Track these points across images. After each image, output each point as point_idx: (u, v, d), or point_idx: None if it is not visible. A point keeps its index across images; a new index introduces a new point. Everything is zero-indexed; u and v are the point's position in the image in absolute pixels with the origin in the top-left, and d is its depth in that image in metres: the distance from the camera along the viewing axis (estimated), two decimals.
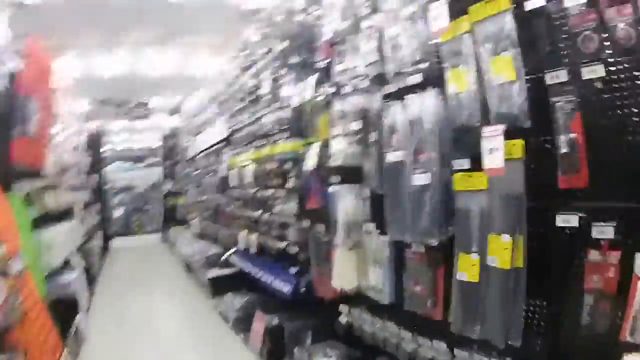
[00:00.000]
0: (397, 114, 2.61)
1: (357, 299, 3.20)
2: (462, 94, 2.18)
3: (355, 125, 3.06)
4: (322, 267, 3.61)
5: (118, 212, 17.00)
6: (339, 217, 3.15)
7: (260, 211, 5.22)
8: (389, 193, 2.70)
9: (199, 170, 9.61)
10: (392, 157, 2.63)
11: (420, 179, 2.38)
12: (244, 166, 5.71)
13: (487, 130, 2.00)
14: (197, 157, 9.81)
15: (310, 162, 3.63)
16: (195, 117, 10.20)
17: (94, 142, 11.43)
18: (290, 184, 4.31)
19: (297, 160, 4.20)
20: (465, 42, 2.19)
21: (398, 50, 2.69)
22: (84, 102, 12.94)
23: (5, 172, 3.47)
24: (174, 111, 14.69)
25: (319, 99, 3.76)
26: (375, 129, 2.86)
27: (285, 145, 4.42)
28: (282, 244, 4.60)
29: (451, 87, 2.25)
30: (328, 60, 3.61)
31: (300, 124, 4.17)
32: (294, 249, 4.35)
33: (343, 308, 3.39)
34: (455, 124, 2.25)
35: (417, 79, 2.56)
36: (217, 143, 7.66)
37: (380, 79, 2.92)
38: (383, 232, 2.81)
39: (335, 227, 3.19)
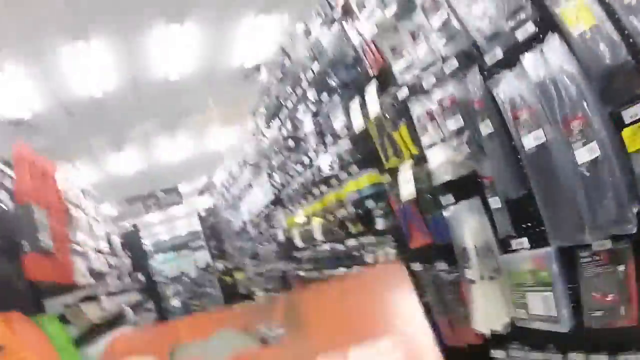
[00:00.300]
0: (516, 84, 2.08)
1: (513, 337, 2.59)
2: (591, 31, 1.79)
3: (454, 124, 2.49)
4: (452, 313, 2.95)
5: (176, 303, 16.47)
6: (466, 244, 2.58)
7: (344, 268, 4.39)
8: (540, 189, 2.11)
9: (251, 242, 8.92)
10: (530, 140, 2.05)
11: (584, 153, 1.85)
12: (307, 222, 4.94)
13: None
14: (245, 228, 9.15)
15: (407, 190, 2.86)
16: (230, 190, 9.64)
17: (131, 240, 11.00)
18: (380, 224, 3.50)
19: (379, 194, 3.42)
20: None
21: (481, 3, 2.18)
22: (110, 204, 12.75)
23: (29, 292, 3.25)
24: (204, 191, 14.44)
25: (386, 113, 3.02)
26: (484, 117, 2.27)
27: (358, 182, 3.63)
28: None
29: (573, 29, 1.84)
30: (379, 66, 3.04)
31: (368, 151, 3.42)
32: None
33: (498, 353, 2.71)
34: (598, 70, 1.81)
35: (527, 30, 2.05)
36: (265, 207, 6.97)
37: (467, 55, 2.40)
38: (535, 244, 2.29)
39: (462, 258, 2.64)
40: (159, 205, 14.83)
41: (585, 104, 1.82)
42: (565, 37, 1.89)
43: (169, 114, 10.86)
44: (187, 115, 11.43)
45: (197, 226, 16.30)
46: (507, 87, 2.11)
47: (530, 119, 2.03)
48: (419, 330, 0.54)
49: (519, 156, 2.17)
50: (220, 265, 14.44)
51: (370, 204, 3.57)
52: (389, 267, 0.80)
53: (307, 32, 4.15)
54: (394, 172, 3.13)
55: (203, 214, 14.94)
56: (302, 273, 5.98)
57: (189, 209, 16.52)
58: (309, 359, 0.52)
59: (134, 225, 12.08)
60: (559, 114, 1.89)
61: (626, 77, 1.75)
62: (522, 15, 2.04)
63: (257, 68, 6.07)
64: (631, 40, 1.73)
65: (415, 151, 2.89)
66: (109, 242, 7.13)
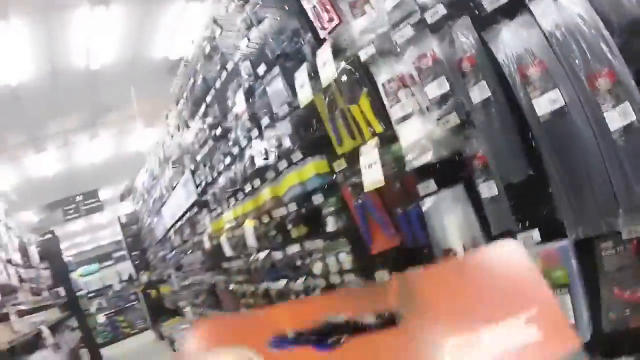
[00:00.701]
0: (523, 35, 1.71)
1: None
2: None
3: (436, 89, 1.96)
4: None
5: (100, 319, 15.95)
6: (451, 244, 2.08)
7: (285, 280, 3.62)
8: (558, 166, 1.72)
9: (175, 251, 8.02)
10: (544, 104, 1.65)
11: (616, 117, 1.53)
12: (237, 226, 4.12)
13: None
14: (167, 236, 8.24)
15: (371, 177, 2.15)
16: (151, 193, 8.71)
17: (50, 251, 10.08)
18: (330, 225, 2.76)
19: (329, 187, 2.71)
20: None
21: None
22: (26, 210, 11.90)
23: None
24: (125, 195, 13.48)
25: (341, 81, 2.32)
26: (478, 78, 1.82)
27: (301, 173, 2.87)
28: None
29: None
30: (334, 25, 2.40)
31: (315, 133, 2.69)
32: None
33: None
34: (621, 21, 1.54)
35: None
36: (188, 211, 6.10)
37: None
38: (546, 236, 1.85)
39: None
40: (78, 211, 13.69)
41: (613, 57, 1.49)
42: None
43: (90, 109, 9.94)
44: (108, 110, 10.54)
45: (120, 235, 15.29)
46: (511, 38, 1.71)
47: (543, 77, 1.63)
48: (549, 306, 0.45)
49: (525, 127, 1.76)
50: (144, 277, 13.58)
51: (317, 199, 2.82)
52: (505, 244, 0.60)
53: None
54: (349, 157, 2.42)
55: (124, 220, 13.95)
56: (233, 286, 5.14)
57: (112, 216, 15.43)
58: (436, 342, 0.46)
59: (52, 233, 11.12)
60: (582, 69, 1.54)
61: None
62: None
63: (185, 62, 5.18)
64: None
65: (379, 129, 2.22)
66: (24, 253, 6.60)
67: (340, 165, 2.50)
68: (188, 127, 5.38)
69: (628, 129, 1.52)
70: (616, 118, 1.53)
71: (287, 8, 2.95)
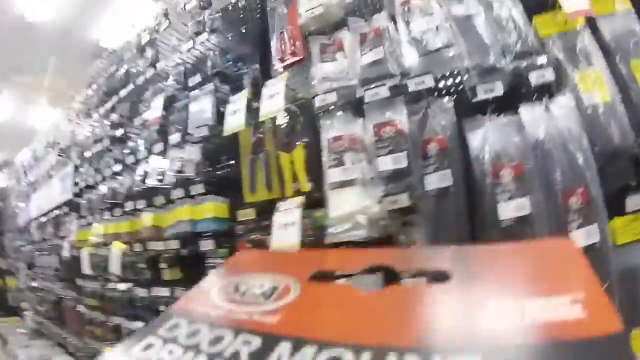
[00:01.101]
0: (507, 134, 1.63)
1: None
2: (604, 106, 1.58)
3: (392, 162, 1.71)
4: None
5: None
6: None
7: (142, 324, 3.04)
8: None
9: (31, 246, 7.04)
10: (511, 209, 1.52)
11: (581, 237, 1.46)
12: (104, 245, 3.49)
13: None
14: (29, 227, 7.25)
15: (285, 239, 1.76)
16: (27, 174, 7.74)
17: None
18: None
19: (225, 235, 2.26)
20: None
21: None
22: None
23: None
24: (1, 166, 12.11)
25: (281, 123, 1.97)
26: (443, 163, 1.67)
27: (196, 209, 2.38)
28: None
29: (586, 97, 1.61)
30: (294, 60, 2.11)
31: (228, 170, 2.26)
32: None
33: None
34: (606, 148, 1.56)
35: (544, 75, 1.64)
36: (57, 208, 5.30)
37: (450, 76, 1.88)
38: None
39: None
40: None
41: (591, 177, 1.52)
42: (577, 101, 1.62)
43: (5, 61, 8.96)
44: (21, 71, 9.63)
45: None
46: (493, 133, 1.62)
47: (517, 181, 1.55)
48: (597, 293, 0.45)
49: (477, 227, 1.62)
50: None
51: (205, 245, 2.33)
52: (563, 241, 0.58)
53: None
54: (260, 209, 2.00)
55: None
56: (81, 308, 4.40)
57: None
58: (479, 302, 0.46)
59: None
60: (559, 182, 1.52)
61: (632, 162, 1.58)
62: (541, 59, 1.67)
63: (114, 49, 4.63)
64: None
65: (306, 187, 1.83)
66: None
67: (246, 215, 2.06)
68: (90, 116, 4.70)
69: (589, 249, 1.50)
70: (581, 238, 1.50)
71: (243, 31, 2.57)
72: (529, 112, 1.61)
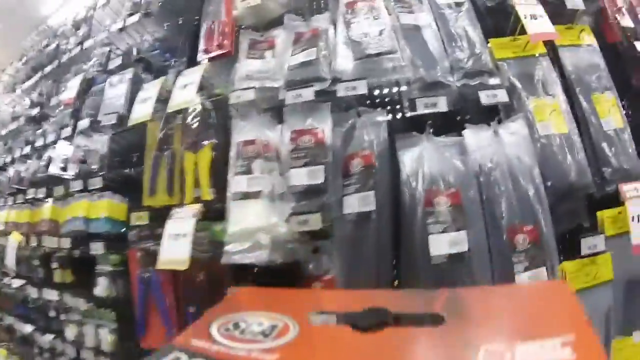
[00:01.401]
0: (445, 157, 1.44)
1: None
2: (560, 138, 1.47)
3: (306, 177, 1.47)
4: None
5: None
6: None
7: (31, 327, 2.71)
8: None
9: None
10: (443, 243, 1.30)
11: (524, 282, 1.29)
12: (2, 233, 3.13)
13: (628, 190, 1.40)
14: None
15: (175, 252, 1.52)
16: None
17: None
18: (100, 288, 2.00)
19: (117, 239, 1.98)
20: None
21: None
22: None
23: None
24: None
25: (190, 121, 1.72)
26: (367, 184, 1.43)
27: (91, 206, 2.09)
28: None
29: (541, 127, 1.48)
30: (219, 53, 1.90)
31: (128, 167, 1.99)
32: None
33: None
34: (562, 184, 1.44)
35: (496, 96, 1.47)
36: None
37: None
38: None
39: None
40: None
41: (542, 215, 1.36)
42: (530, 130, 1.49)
43: None
44: None
45: None
46: (429, 155, 1.44)
47: (453, 212, 1.34)
48: (587, 335, 0.48)
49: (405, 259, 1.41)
50: None
51: (96, 249, 2.03)
52: (554, 283, 0.88)
53: None
54: (156, 215, 1.75)
55: None
56: None
57: None
58: (472, 345, 0.48)
59: None
60: (505, 217, 1.34)
61: (587, 202, 1.50)
62: (494, 80, 1.53)
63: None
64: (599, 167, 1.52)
65: (207, 196, 1.58)
66: None
67: (140, 219, 1.80)
68: (14, 91, 4.30)
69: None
70: (524, 282, 1.31)
71: (180, 23, 2.33)
72: (474, 135, 1.44)
